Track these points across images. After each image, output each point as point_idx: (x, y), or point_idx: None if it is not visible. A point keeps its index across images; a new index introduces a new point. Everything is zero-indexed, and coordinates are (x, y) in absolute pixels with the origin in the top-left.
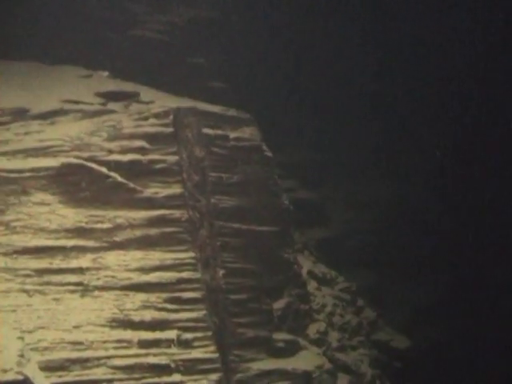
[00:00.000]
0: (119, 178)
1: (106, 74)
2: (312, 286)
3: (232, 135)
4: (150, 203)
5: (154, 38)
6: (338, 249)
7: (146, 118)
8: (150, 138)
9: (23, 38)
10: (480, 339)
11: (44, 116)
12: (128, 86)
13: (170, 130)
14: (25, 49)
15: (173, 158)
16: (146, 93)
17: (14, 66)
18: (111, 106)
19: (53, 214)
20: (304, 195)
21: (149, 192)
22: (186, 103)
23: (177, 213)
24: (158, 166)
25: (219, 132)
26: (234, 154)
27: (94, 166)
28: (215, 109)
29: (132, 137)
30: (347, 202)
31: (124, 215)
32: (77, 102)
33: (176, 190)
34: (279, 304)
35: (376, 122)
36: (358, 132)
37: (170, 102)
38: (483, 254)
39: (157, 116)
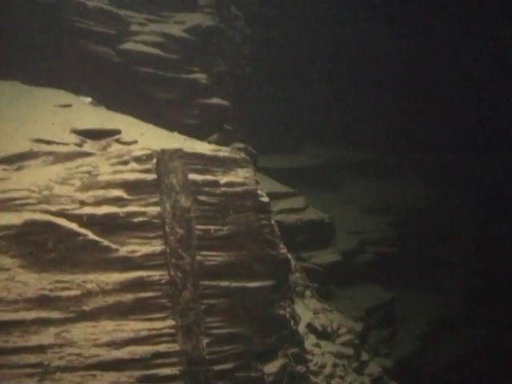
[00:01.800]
0: (91, 235)
1: (88, 100)
2: (310, 341)
3: (223, 180)
4: (126, 264)
5: (147, 52)
6: (347, 267)
7: (126, 163)
8: (130, 186)
9: (3, 54)
10: (499, 351)
11: (10, 160)
12: (110, 120)
13: (152, 176)
14: (4, 65)
15: (154, 210)
16: (130, 127)
17: None
18: (88, 146)
19: (12, 281)
20: (313, 215)
21: (125, 250)
22: (173, 141)
23: (156, 274)
24: (137, 219)
25: (208, 177)
26: (225, 201)
27: (62, 222)
28: (205, 149)
29: (109, 185)
30: (361, 209)
31: (95, 279)
32: (49, 143)
33: (156, 247)
34: (272, 367)
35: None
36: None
37: (156, 140)
38: (501, 264)
39: (138, 160)
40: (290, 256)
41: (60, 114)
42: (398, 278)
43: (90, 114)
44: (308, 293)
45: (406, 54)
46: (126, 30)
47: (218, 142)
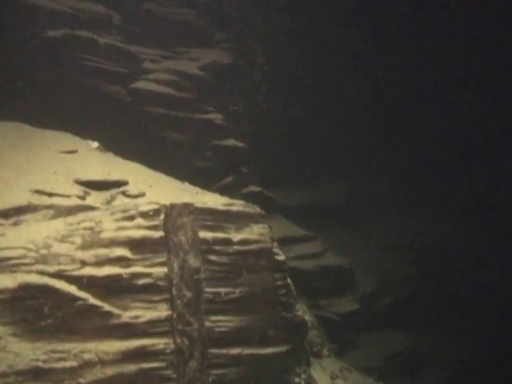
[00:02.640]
0: (91, 300)
1: (95, 144)
2: None
3: (236, 237)
4: (129, 331)
5: (160, 91)
6: (367, 314)
7: (132, 218)
8: (135, 244)
9: (7, 93)
10: None
11: (7, 213)
12: (117, 168)
13: (159, 233)
14: (8, 105)
15: (161, 271)
16: (138, 177)
17: None
18: (92, 199)
19: (3, 351)
20: (331, 261)
21: (128, 316)
22: (183, 194)
23: (161, 343)
24: (142, 281)
25: (220, 235)
26: (238, 261)
27: (60, 285)
28: (217, 203)
29: (112, 243)
30: (380, 245)
31: (94, 348)
32: (50, 194)
33: (162, 312)
34: None
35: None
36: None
37: (165, 192)
38: None
39: (145, 216)
40: (306, 318)
41: (64, 162)
42: (419, 321)
43: (96, 162)
44: (325, 352)
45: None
46: (138, 67)
47: (232, 185)
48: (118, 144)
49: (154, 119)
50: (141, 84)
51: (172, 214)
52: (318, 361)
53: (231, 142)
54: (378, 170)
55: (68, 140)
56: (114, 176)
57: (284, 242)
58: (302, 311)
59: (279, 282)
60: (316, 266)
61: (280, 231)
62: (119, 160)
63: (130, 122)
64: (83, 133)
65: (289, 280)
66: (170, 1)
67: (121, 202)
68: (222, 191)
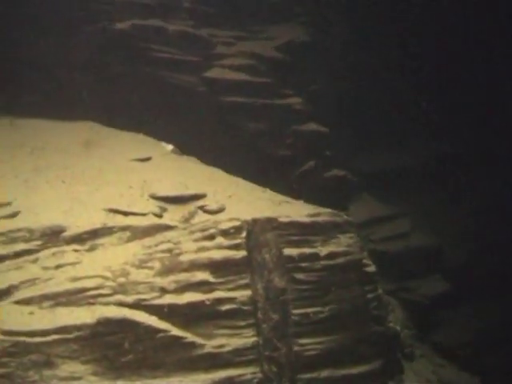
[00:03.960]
0: (173, 331)
1: (170, 147)
2: None
3: (323, 251)
4: (213, 361)
5: (235, 79)
6: (457, 291)
7: (212, 237)
8: (216, 266)
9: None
10: None
11: (82, 238)
12: (193, 178)
13: (241, 253)
14: (79, 103)
15: (245, 294)
16: (216, 186)
17: (62, 130)
18: (169, 216)
19: None
20: (420, 241)
21: (212, 345)
22: (265, 205)
23: (247, 372)
24: (225, 306)
25: (306, 250)
26: (326, 277)
27: (140, 317)
28: (302, 215)
29: (193, 266)
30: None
31: (178, 383)
32: (125, 214)
33: (248, 338)
34: None
35: None
36: None
37: (245, 203)
38: None
39: (226, 234)
40: (398, 328)
41: (138, 173)
42: None
43: (172, 172)
44: (418, 352)
45: None
46: (210, 53)
47: (314, 170)
48: (193, 141)
49: (229, 109)
50: (215, 72)
51: (254, 231)
52: (410, 365)
53: (312, 126)
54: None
55: (141, 142)
56: (192, 188)
57: (370, 223)
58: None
59: (370, 295)
60: (404, 247)
61: (366, 212)
62: (195, 166)
63: (204, 113)
64: (156, 131)
65: (380, 291)
66: None
67: (200, 218)
68: (304, 178)
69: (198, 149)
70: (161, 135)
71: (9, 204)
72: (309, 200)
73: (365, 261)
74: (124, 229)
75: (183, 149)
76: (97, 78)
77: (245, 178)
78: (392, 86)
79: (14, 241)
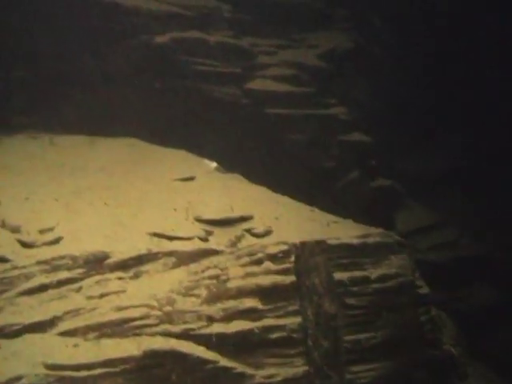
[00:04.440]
0: (222, 361)
1: (213, 165)
2: None
3: (374, 274)
4: None
5: (278, 90)
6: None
7: (260, 262)
8: (265, 292)
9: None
10: None
11: (126, 265)
12: (239, 197)
13: (290, 278)
14: (120, 119)
15: (294, 321)
16: (263, 206)
17: (102, 147)
18: (214, 240)
19: None
20: (468, 249)
21: (262, 376)
22: (313, 226)
23: None
24: (275, 334)
25: (357, 273)
26: (377, 301)
27: (188, 349)
28: (352, 236)
29: (240, 293)
30: None
31: None
32: (170, 238)
33: (298, 367)
34: None
35: None
36: None
37: (293, 225)
38: None
39: (274, 258)
40: (453, 350)
41: (182, 194)
42: None
43: (216, 193)
44: (470, 370)
45: None
46: (252, 64)
47: (359, 181)
48: (237, 156)
49: (273, 121)
50: (257, 83)
51: (303, 255)
52: None
53: (357, 136)
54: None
55: (184, 160)
56: (238, 209)
57: (417, 232)
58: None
59: (423, 318)
60: (452, 256)
61: (412, 221)
62: (240, 185)
63: (247, 126)
64: (199, 146)
65: (433, 312)
66: None
67: (247, 242)
68: (349, 189)
69: (241, 164)
70: (203, 151)
71: (51, 230)
72: (354, 211)
73: (417, 282)
74: (169, 254)
75: (227, 164)
76: (137, 93)
77: (289, 191)
78: (433, 90)
79: (56, 269)
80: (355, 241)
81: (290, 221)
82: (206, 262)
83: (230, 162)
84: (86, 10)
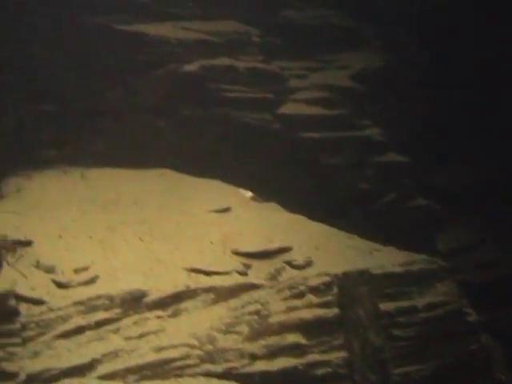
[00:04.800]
0: None
1: (249, 194)
2: None
3: (421, 303)
4: None
5: (310, 114)
6: None
7: (302, 295)
8: (308, 327)
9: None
10: None
11: (164, 303)
12: (275, 227)
13: (334, 311)
14: (150, 148)
15: (339, 356)
16: (301, 236)
17: (134, 179)
18: (253, 273)
19: None
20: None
21: None
22: (355, 254)
23: None
24: (321, 370)
25: (403, 303)
26: (425, 331)
27: None
28: (395, 264)
29: (283, 329)
30: None
31: None
32: (208, 273)
33: None
34: None
35: None
36: None
37: (334, 254)
38: None
39: (316, 291)
40: (503, 376)
41: (217, 225)
42: None
43: (253, 224)
44: None
45: None
46: (283, 88)
47: (395, 201)
48: (271, 183)
49: (306, 145)
50: (289, 107)
51: (346, 286)
52: None
53: (392, 156)
54: None
55: (218, 190)
56: (276, 240)
57: (458, 252)
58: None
59: (473, 346)
60: (494, 276)
61: (452, 240)
62: (277, 214)
63: (280, 152)
64: (232, 175)
65: (483, 338)
66: (308, 2)
67: (287, 275)
68: (386, 210)
69: (276, 191)
70: (237, 179)
71: (85, 269)
72: (393, 233)
73: (465, 309)
74: (208, 290)
75: (262, 192)
76: (167, 122)
77: (325, 217)
78: (467, 104)
79: (94, 309)
80: (399, 269)
81: (330, 250)
82: (245, 297)
83: (265, 191)
84: (112, 41)
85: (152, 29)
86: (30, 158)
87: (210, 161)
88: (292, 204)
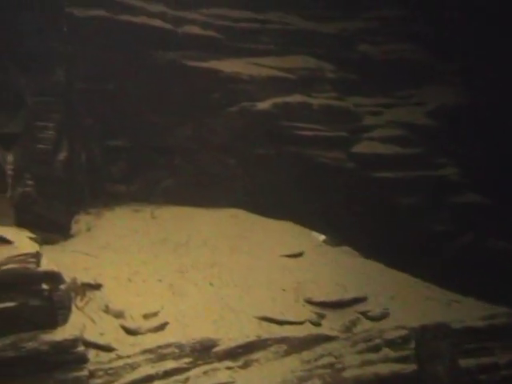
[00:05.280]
0: None
1: (322, 237)
2: None
3: (503, 359)
4: None
5: (385, 153)
6: None
7: (378, 349)
8: (383, 382)
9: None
10: None
11: (235, 353)
12: (349, 274)
13: (411, 367)
14: (220, 188)
15: None
16: (377, 284)
17: (205, 220)
18: (327, 324)
19: None
20: None
21: None
22: (432, 307)
23: None
24: None
25: (484, 360)
26: None
27: None
28: (476, 318)
29: (357, 383)
30: None
31: None
32: (280, 323)
33: None
34: None
35: None
36: None
37: (410, 305)
38: None
39: (392, 344)
40: None
41: (290, 271)
42: None
43: (327, 270)
44: None
45: None
46: (358, 125)
47: (473, 243)
48: (344, 226)
49: (380, 185)
50: (363, 146)
51: (424, 340)
52: None
53: (470, 196)
54: None
55: (290, 233)
56: (350, 289)
57: None
58: None
59: None
60: None
61: None
62: (351, 260)
63: (353, 192)
64: (305, 215)
65: None
66: (385, 36)
67: (362, 326)
68: (463, 253)
69: (348, 233)
70: (309, 219)
71: (155, 314)
72: (470, 278)
73: None
74: (280, 341)
75: (334, 233)
76: (238, 161)
77: (400, 260)
78: None
79: (163, 358)
80: (481, 323)
81: (406, 300)
82: (319, 349)
83: (338, 231)
84: (185, 77)
85: (226, 65)
86: (101, 192)
87: (282, 200)
88: (365, 247)
